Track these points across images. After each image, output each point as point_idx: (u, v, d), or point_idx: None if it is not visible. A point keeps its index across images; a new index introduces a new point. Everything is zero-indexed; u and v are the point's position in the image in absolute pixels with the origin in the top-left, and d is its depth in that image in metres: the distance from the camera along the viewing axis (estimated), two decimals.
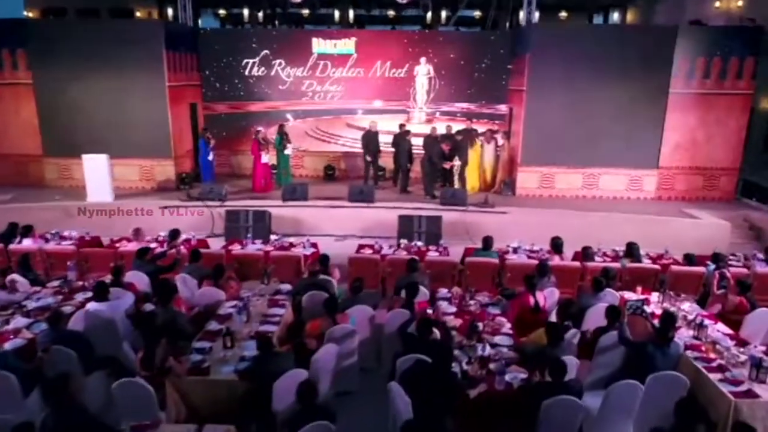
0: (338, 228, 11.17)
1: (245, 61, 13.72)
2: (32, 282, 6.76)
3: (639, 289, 6.87)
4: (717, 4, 16.99)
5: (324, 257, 7.00)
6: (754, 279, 7.43)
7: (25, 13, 21.83)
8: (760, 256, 8.07)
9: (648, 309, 6.38)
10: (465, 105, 13.85)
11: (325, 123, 14.15)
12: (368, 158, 12.54)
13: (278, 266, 7.64)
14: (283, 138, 12.48)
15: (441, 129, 12.52)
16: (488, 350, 5.17)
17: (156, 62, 11.90)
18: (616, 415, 4.71)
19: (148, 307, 5.83)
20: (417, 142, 12.59)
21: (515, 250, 8.62)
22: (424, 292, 6.52)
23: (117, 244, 8.45)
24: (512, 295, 6.37)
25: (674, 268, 7.50)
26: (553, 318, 6.02)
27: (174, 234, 7.93)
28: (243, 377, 4.67)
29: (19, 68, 12.20)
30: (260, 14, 19.03)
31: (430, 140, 12.02)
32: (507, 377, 4.80)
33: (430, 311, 5.63)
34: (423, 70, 13.68)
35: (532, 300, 6.07)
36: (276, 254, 7.79)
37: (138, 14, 21.88)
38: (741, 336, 5.99)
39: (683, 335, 5.73)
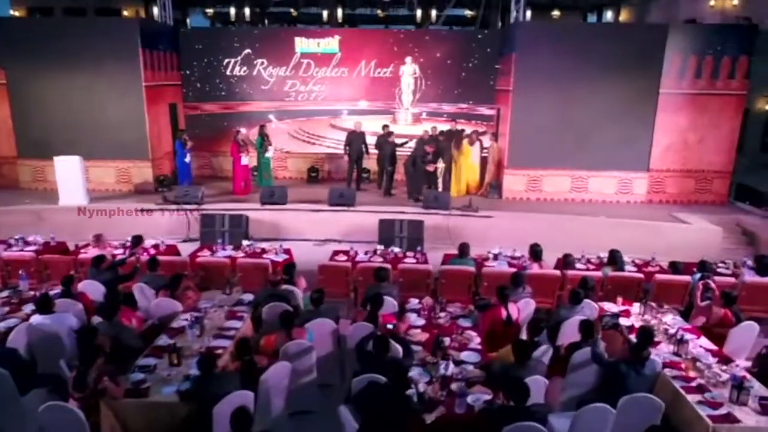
0: (318, 232, 10.86)
1: (227, 60, 13.39)
2: None
3: (620, 299, 6.53)
4: (712, 2, 16.68)
5: (289, 266, 6.67)
6: (742, 289, 7.10)
7: (11, 12, 21.60)
8: (750, 264, 7.71)
9: (628, 321, 6.06)
10: (452, 105, 13.50)
11: (309, 124, 13.81)
12: (347, 157, 12.24)
13: (245, 274, 7.31)
14: (264, 139, 12.15)
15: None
16: (451, 368, 4.83)
17: (131, 61, 11.55)
18: None
19: (96, 320, 5.49)
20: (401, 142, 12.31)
21: (496, 257, 8.28)
22: (393, 304, 6.20)
23: (83, 250, 8.11)
24: (486, 307, 6.02)
25: (659, 277, 7.15)
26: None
27: (137, 240, 7.59)
28: (184, 399, 4.33)
29: None
30: (247, 13, 18.70)
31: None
32: (469, 399, 4.47)
33: (390, 326, 5.27)
34: (409, 70, 13.34)
35: (504, 312, 5.74)
36: (243, 261, 7.43)
37: (125, 13, 21.62)
38: (725, 351, 5.66)
39: (663, 351, 5.40)
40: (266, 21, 20.83)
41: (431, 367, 4.91)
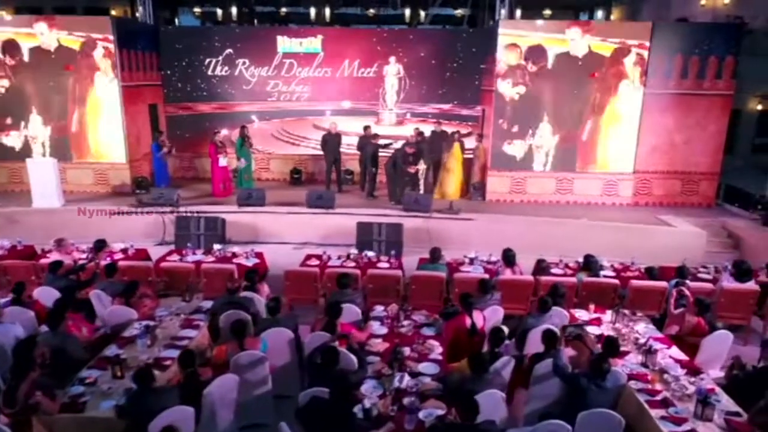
0: (297, 235, 10.66)
1: (208, 60, 13.18)
2: None
3: (592, 307, 6.32)
4: (703, 1, 16.50)
5: (251, 271, 6.46)
6: (720, 295, 6.89)
7: None
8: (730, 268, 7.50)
9: (598, 330, 5.86)
10: (437, 106, 13.30)
11: (292, 124, 13.61)
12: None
13: (210, 280, 7.11)
14: (244, 140, 11.94)
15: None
16: (406, 381, 4.64)
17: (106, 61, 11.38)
18: None
19: (44, 329, 5.29)
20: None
21: (471, 261, 8.08)
22: (356, 312, 5.99)
23: (48, 255, 7.91)
24: (451, 315, 5.82)
25: (634, 283, 6.94)
26: None
27: (100, 245, 7.39)
28: (120, 415, 4.14)
29: None
30: (234, 12, 18.51)
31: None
32: (421, 414, 4.26)
33: (344, 336, 5.04)
34: (392, 70, 13.14)
35: (468, 321, 5.53)
36: (207, 267, 7.22)
37: (113, 12, 21.44)
38: (697, 362, 5.45)
39: (631, 361, 5.19)
40: (255, 21, 20.64)
41: (386, 380, 4.71)
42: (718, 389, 4.72)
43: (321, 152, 12.31)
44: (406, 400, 4.38)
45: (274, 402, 5.25)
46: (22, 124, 11.72)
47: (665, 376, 4.87)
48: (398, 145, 11.82)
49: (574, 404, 4.53)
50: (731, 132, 16.84)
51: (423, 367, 4.98)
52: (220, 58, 13.15)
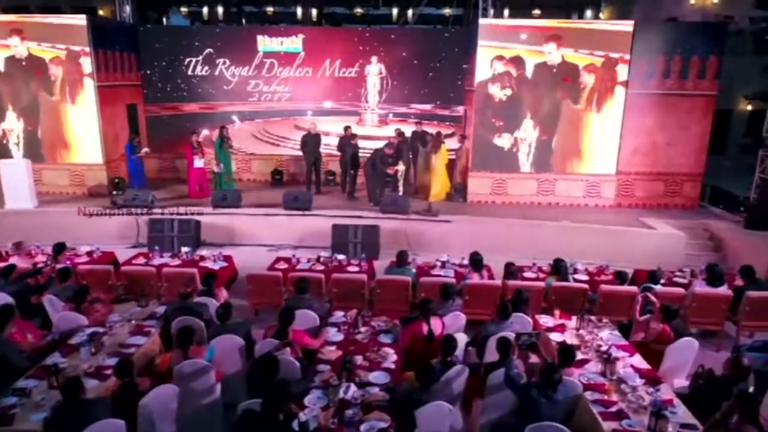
0: (273, 237, 10.52)
1: (188, 60, 13.04)
2: None
3: (557, 312, 6.16)
4: (692, 1, 16.32)
5: (208, 275, 6.30)
6: (693, 300, 6.73)
7: None
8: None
9: (562, 337, 5.69)
10: (419, 106, 13.14)
11: (273, 125, 13.46)
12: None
13: (171, 284, 6.95)
14: (223, 141, 11.78)
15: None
16: (352, 392, 4.48)
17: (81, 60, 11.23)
18: None
19: None
20: (366, 146, 11.97)
21: (443, 265, 7.93)
22: (314, 318, 5.83)
23: (9, 258, 7.75)
24: (409, 321, 5.65)
25: (604, 287, 6.77)
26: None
27: (59, 248, 7.23)
28: (46, 429, 3.98)
29: None
30: (220, 12, 18.35)
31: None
32: (362, 427, 4.10)
33: (288, 344, 4.87)
34: (374, 70, 12.99)
35: (425, 328, 5.36)
36: (168, 271, 7.06)
37: (101, 12, 21.27)
38: (662, 370, 5.29)
39: (590, 370, 5.03)
40: (243, 20, 20.47)
41: (332, 391, 4.54)
42: (676, 400, 4.55)
43: (302, 153, 12.16)
44: (348, 412, 4.22)
45: (225, 412, 5.09)
46: None
47: (623, 386, 4.71)
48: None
49: (525, 416, 4.37)
50: (721, 132, 16.75)
51: (373, 376, 4.82)
52: (201, 57, 13.01)
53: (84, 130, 11.56)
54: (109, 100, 11.87)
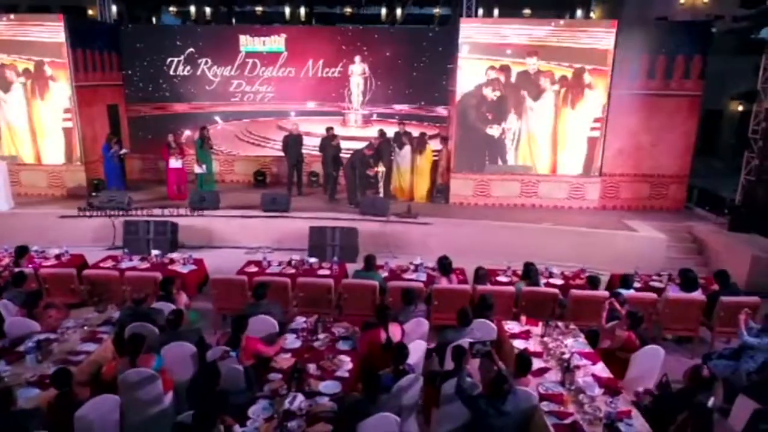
0: (251, 239, 10.38)
1: (170, 59, 12.89)
2: None
3: (523, 318, 6.01)
4: (682, 0, 16.16)
5: (166, 280, 6.16)
6: (665, 306, 6.58)
7: None
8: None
9: (524, 344, 5.54)
10: (403, 106, 12.99)
11: (256, 126, 13.31)
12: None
13: (134, 289, 6.79)
14: (204, 142, 11.64)
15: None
16: (299, 402, 4.34)
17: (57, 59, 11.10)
18: None
19: None
20: (347, 146, 11.82)
21: (416, 268, 7.78)
22: (272, 324, 5.69)
23: None
24: (369, 327, 5.51)
25: (574, 292, 6.61)
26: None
27: (21, 251, 7.10)
28: None
29: None
30: (207, 11, 18.22)
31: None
32: None
33: (233, 353, 4.71)
34: (358, 70, 12.83)
35: (383, 335, 5.22)
36: (131, 275, 6.92)
37: (90, 12, 21.16)
38: (626, 379, 5.14)
39: (550, 379, 4.88)
40: (233, 20, 20.34)
41: (278, 401, 4.40)
42: (634, 412, 4.39)
43: (284, 154, 12.02)
44: (291, 424, 4.08)
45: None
46: None
47: (581, 396, 4.56)
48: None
49: (476, 428, 4.24)
50: (712, 133, 16.60)
51: (324, 386, 4.67)
52: (182, 57, 12.87)
53: (63, 130, 11.42)
54: (88, 100, 11.75)
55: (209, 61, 12.88)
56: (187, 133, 12.98)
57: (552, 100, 10.99)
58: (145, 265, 7.71)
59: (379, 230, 10.18)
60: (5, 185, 10.48)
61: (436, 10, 18.43)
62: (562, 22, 10.87)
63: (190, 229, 10.33)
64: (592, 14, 18.61)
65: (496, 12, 17.34)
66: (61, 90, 11.30)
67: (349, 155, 11.39)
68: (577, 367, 4.94)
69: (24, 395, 4.40)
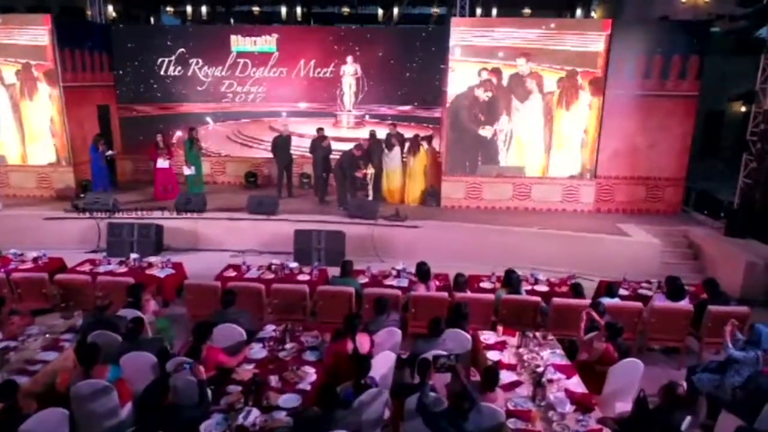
0: (238, 242, 10.21)
1: (161, 59, 12.78)
2: None
3: (500, 328, 5.80)
4: None
5: (135, 286, 6.01)
6: (651, 315, 6.34)
7: None
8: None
9: (499, 356, 5.34)
10: (396, 107, 12.79)
11: (247, 126, 13.17)
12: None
13: (106, 294, 6.64)
14: (193, 143, 11.52)
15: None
16: (253, 417, 4.17)
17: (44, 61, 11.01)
18: None
19: None
20: (339, 148, 11.64)
21: (399, 274, 7.60)
22: (240, 333, 5.52)
23: None
24: (337, 337, 5.32)
25: (556, 300, 6.40)
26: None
27: None
28: None
29: None
30: (204, 11, 18.15)
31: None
32: None
33: (187, 364, 4.53)
34: (350, 70, 12.65)
35: (350, 345, 5.03)
36: (103, 279, 6.78)
37: (89, 12, 21.15)
38: (604, 394, 4.92)
39: (521, 394, 4.67)
40: (232, 20, 20.27)
41: (233, 415, 4.23)
42: (606, 431, 4.19)
43: (273, 156, 11.87)
44: None
45: None
46: None
47: (550, 413, 4.35)
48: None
49: None
50: (713, 135, 16.25)
51: (283, 399, 4.50)
52: (173, 57, 12.75)
53: (50, 131, 11.34)
54: (77, 101, 11.65)
55: (200, 61, 12.76)
56: (178, 134, 12.87)
57: (544, 102, 10.74)
58: (123, 269, 7.58)
59: (366, 233, 9.99)
60: None
61: (435, 10, 18.25)
62: (552, 24, 10.54)
63: (176, 232, 10.21)
64: (593, 14, 18.36)
65: (494, 12, 17.12)
66: (48, 91, 11.19)
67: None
68: (551, 381, 4.73)
69: None
